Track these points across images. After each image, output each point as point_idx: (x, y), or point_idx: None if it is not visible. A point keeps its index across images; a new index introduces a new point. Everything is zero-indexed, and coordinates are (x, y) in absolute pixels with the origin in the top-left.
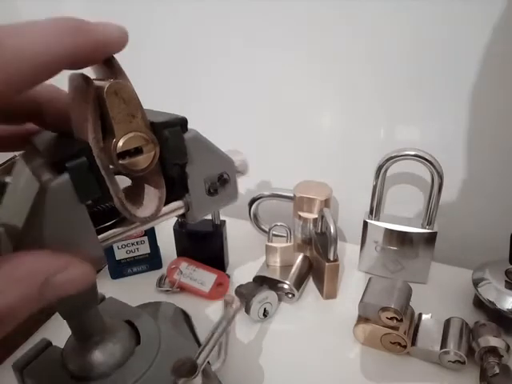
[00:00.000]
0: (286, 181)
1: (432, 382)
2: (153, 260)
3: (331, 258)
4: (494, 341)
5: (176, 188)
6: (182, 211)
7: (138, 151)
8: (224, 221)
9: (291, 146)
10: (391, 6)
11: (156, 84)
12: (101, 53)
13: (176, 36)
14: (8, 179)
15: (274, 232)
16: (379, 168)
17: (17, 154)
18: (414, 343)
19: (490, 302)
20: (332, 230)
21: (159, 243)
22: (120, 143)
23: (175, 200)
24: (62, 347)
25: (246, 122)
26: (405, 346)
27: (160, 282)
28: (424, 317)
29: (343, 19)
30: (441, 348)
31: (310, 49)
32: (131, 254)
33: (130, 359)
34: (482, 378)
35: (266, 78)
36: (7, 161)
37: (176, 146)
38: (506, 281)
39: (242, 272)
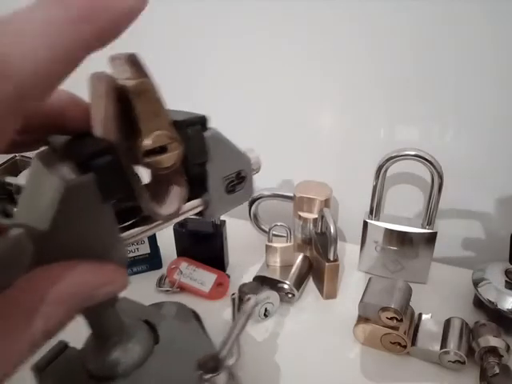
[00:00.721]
0: (286, 181)
1: (432, 382)
2: (153, 260)
3: (331, 258)
4: (494, 341)
5: (195, 186)
6: (200, 209)
7: (162, 150)
8: (224, 221)
9: (291, 146)
10: (391, 6)
11: None
12: (118, 30)
13: (175, 35)
14: (8, 179)
15: (273, 232)
16: (379, 168)
17: (17, 154)
18: (414, 343)
19: (490, 302)
20: (332, 230)
21: (159, 243)
22: (146, 142)
23: (194, 198)
24: (78, 349)
25: (245, 122)
26: (405, 346)
27: (160, 282)
28: (424, 317)
29: (344, 19)
30: (441, 348)
31: (310, 49)
32: (131, 254)
33: (150, 358)
34: (482, 378)
35: (266, 78)
36: (7, 161)
37: (197, 145)
38: (506, 281)
39: (241, 272)
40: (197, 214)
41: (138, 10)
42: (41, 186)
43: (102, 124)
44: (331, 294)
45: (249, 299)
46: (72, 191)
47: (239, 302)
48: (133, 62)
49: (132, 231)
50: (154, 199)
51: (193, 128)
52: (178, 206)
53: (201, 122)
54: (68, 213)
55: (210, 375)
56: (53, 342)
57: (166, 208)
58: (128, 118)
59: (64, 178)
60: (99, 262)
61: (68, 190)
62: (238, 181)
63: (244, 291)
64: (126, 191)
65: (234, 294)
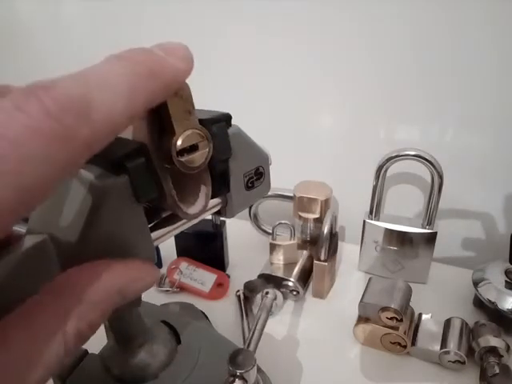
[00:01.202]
0: (286, 181)
1: (432, 382)
2: None
3: (321, 258)
4: (494, 341)
5: (216, 183)
6: (219, 207)
7: (192, 148)
8: (224, 221)
9: (291, 146)
10: (392, 6)
11: None
12: (171, 90)
13: (176, 36)
14: None
15: (275, 231)
16: (379, 168)
17: None
18: (414, 343)
19: (490, 301)
20: (325, 231)
21: None
22: (179, 141)
23: (214, 195)
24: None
25: (245, 122)
26: (405, 346)
27: (160, 282)
28: (424, 317)
29: (344, 19)
30: (441, 348)
31: (310, 49)
32: None
33: (175, 359)
34: (482, 378)
35: (266, 78)
36: None
37: (222, 142)
38: (506, 281)
39: (241, 272)
40: (216, 213)
41: (188, 71)
42: (66, 190)
43: (133, 124)
44: (319, 294)
45: (267, 293)
46: (108, 193)
47: (245, 299)
48: None
49: (159, 231)
50: (180, 199)
51: (218, 125)
52: (205, 204)
53: (225, 119)
54: (102, 216)
55: (244, 370)
56: None
57: (194, 207)
58: (158, 116)
59: (95, 180)
60: (130, 259)
61: (104, 192)
62: (257, 177)
63: (250, 288)
64: (158, 192)
65: (238, 291)
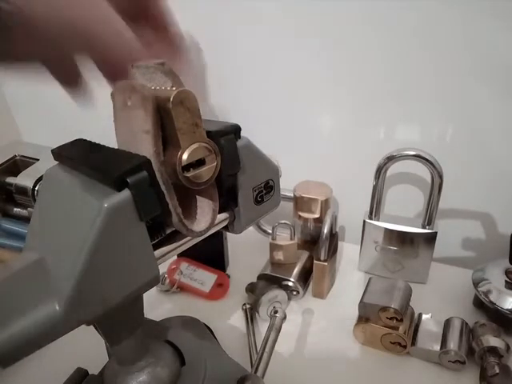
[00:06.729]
0: (286, 181)
1: (432, 382)
2: None
3: (321, 258)
4: (493, 341)
5: (224, 198)
6: (226, 222)
7: (199, 163)
8: None
9: (291, 146)
10: (392, 6)
11: None
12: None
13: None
14: (8, 179)
15: (275, 231)
16: (379, 168)
17: (17, 154)
18: (413, 343)
19: (490, 302)
20: (325, 231)
21: None
22: (185, 155)
23: (222, 210)
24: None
25: (244, 122)
26: (405, 346)
27: (160, 282)
28: (424, 317)
29: (344, 19)
30: (441, 348)
31: (311, 49)
32: None
33: (179, 382)
34: (482, 378)
35: (266, 78)
36: (7, 161)
37: (231, 155)
38: (506, 281)
39: (242, 272)
40: (223, 228)
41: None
42: (71, 208)
43: (129, 137)
44: (319, 294)
45: (276, 312)
46: (108, 211)
47: (251, 312)
48: (168, 71)
49: (163, 249)
50: (185, 215)
51: (226, 138)
52: (212, 221)
53: (234, 131)
54: (102, 235)
55: None
56: (71, 370)
57: (200, 224)
58: (163, 129)
59: (97, 197)
60: None
61: (104, 209)
62: (267, 190)
63: (251, 289)
64: (162, 209)
65: (245, 305)
